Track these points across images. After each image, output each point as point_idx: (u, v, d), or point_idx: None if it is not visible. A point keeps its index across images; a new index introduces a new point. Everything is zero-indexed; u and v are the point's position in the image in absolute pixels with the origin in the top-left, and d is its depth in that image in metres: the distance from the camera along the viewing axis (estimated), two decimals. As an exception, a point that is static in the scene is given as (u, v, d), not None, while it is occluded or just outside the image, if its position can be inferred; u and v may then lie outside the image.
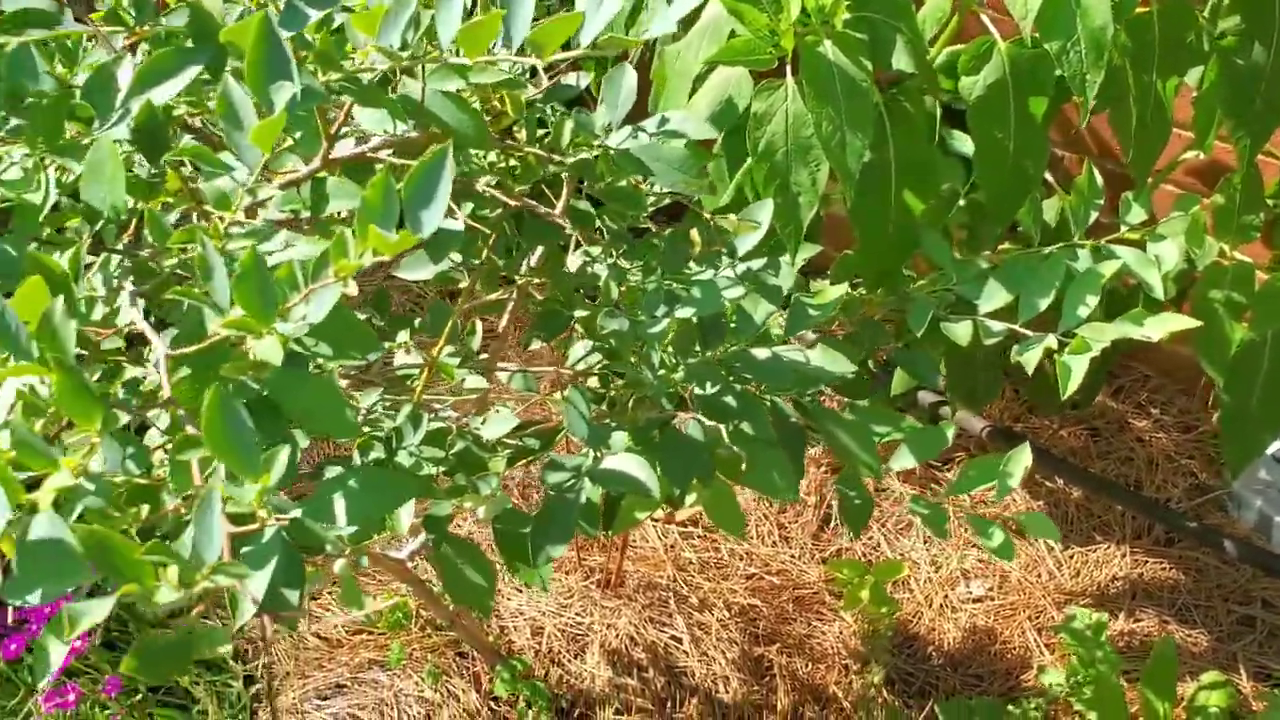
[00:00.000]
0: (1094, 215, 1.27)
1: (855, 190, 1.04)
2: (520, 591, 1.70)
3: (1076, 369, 1.04)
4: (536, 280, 1.06)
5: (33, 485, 0.48)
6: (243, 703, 1.56)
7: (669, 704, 1.55)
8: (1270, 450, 1.52)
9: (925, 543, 1.79)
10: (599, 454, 0.88)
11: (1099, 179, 1.28)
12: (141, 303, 0.55)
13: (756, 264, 0.95)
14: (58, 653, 0.70)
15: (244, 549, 0.71)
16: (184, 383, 0.58)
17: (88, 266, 0.65)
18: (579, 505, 0.84)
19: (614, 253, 1.01)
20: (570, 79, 0.97)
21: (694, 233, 0.84)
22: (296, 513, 0.71)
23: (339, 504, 0.70)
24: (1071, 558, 1.74)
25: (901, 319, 1.22)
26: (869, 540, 1.80)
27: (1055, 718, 1.55)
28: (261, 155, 0.55)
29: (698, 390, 0.91)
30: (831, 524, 1.82)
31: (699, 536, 1.79)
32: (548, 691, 1.50)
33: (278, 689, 1.59)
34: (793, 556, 1.76)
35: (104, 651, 1.56)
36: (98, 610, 0.45)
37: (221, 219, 0.57)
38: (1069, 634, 1.44)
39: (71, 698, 1.43)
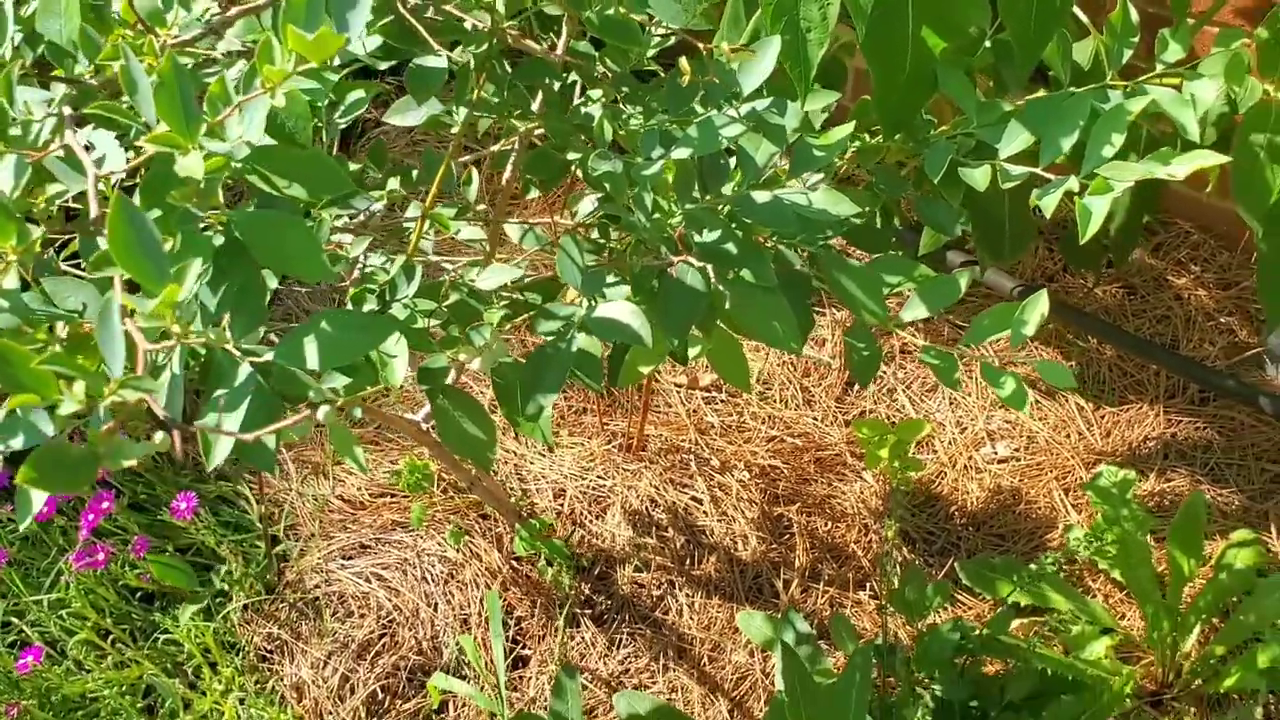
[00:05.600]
0: (1127, 54, 1.20)
1: (868, 26, 0.98)
2: (543, 456, 1.70)
3: (1097, 211, 0.99)
4: (539, 130, 1.02)
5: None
6: (267, 562, 1.59)
7: (688, 561, 1.55)
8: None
9: (951, 405, 1.76)
10: (594, 302, 0.85)
11: (1134, 15, 1.21)
12: (81, 130, 0.52)
13: (761, 104, 0.91)
14: (39, 499, 0.69)
15: (218, 392, 0.70)
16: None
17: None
18: (571, 354, 0.82)
19: (615, 96, 0.97)
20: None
21: (683, 61, 0.80)
22: (269, 355, 0.70)
23: (310, 346, 0.68)
24: (1103, 418, 1.71)
25: (922, 168, 1.17)
26: (894, 403, 1.77)
27: (1079, 576, 1.54)
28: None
29: (697, 237, 0.88)
30: (854, 387, 1.80)
31: (722, 401, 1.77)
32: (567, 550, 1.51)
33: (303, 549, 1.62)
34: (815, 419, 1.74)
35: (132, 513, 1.59)
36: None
37: (157, 35, 0.54)
38: (1094, 491, 1.42)
39: (101, 557, 1.46)
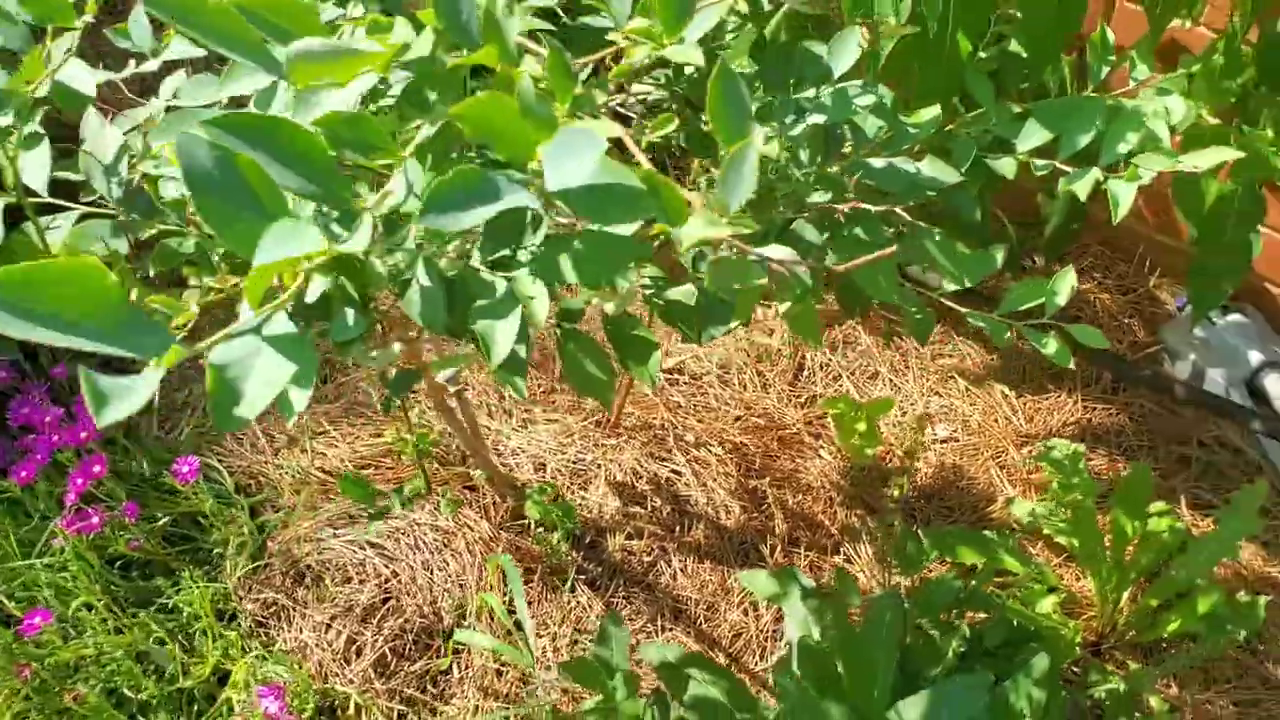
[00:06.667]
0: (1105, 70, 1.37)
1: (938, 23, 1.11)
2: (518, 431, 1.75)
3: (1125, 196, 1.14)
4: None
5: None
6: (249, 532, 1.58)
7: (677, 529, 1.64)
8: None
9: (893, 390, 1.91)
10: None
11: (1111, 36, 1.38)
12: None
13: (854, 86, 1.01)
14: (300, 398, 0.73)
15: (479, 302, 0.76)
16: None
17: None
18: (735, 291, 0.90)
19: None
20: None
21: (859, 30, 0.90)
22: (522, 271, 0.76)
23: (565, 262, 0.75)
24: (1026, 405, 1.89)
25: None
26: (839, 388, 1.90)
27: (1020, 541, 1.70)
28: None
29: (816, 197, 0.98)
30: (804, 373, 1.92)
31: (685, 383, 1.86)
32: (574, 513, 1.56)
33: (285, 520, 1.62)
34: (773, 401, 1.85)
35: (118, 480, 1.56)
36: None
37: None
38: (1049, 462, 1.58)
39: (95, 520, 1.43)
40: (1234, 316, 1.92)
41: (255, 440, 1.73)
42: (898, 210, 1.05)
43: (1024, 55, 1.35)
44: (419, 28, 0.53)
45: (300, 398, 0.71)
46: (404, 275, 0.76)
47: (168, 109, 0.73)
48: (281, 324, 0.45)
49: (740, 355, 1.91)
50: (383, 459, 1.68)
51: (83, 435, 1.50)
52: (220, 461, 1.69)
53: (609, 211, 0.49)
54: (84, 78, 0.73)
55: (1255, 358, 1.86)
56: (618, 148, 0.51)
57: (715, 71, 0.51)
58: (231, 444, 1.73)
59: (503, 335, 0.70)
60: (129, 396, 0.44)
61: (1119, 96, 1.34)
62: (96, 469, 1.47)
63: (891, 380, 1.92)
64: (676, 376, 1.87)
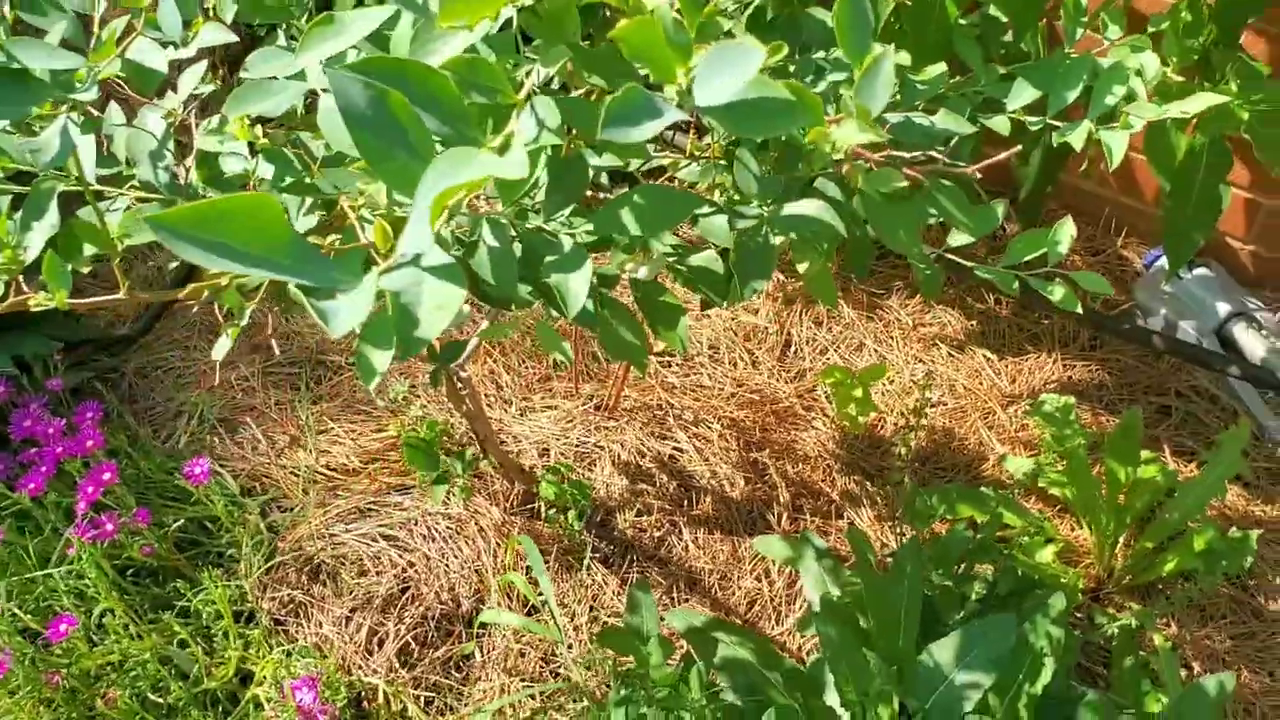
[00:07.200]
0: (1080, 32, 1.42)
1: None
2: (518, 419, 1.77)
3: (1118, 144, 1.19)
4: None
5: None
6: (263, 531, 1.58)
7: (685, 503, 1.66)
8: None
9: (878, 360, 1.95)
10: (767, 206, 0.97)
11: (1085, 1, 1.43)
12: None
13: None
14: (381, 359, 0.74)
15: (549, 258, 0.78)
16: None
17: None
18: (770, 246, 0.93)
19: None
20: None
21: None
22: (587, 226, 0.78)
23: (627, 215, 0.77)
24: (1008, 367, 1.94)
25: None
26: (826, 361, 1.94)
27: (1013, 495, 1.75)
28: None
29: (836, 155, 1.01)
30: (791, 348, 1.96)
31: (677, 364, 1.89)
32: (589, 490, 1.58)
33: (294, 519, 1.62)
34: (764, 377, 1.89)
35: (124, 487, 1.55)
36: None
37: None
38: (1041, 416, 1.63)
39: (110, 527, 1.43)
40: (1200, 271, 1.98)
41: (256, 443, 1.73)
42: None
43: (1003, 20, 1.40)
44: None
45: (382, 359, 0.73)
46: (470, 238, 0.78)
47: (240, 81, 0.74)
48: (437, 255, 0.47)
49: (728, 335, 1.94)
50: (389, 452, 1.69)
51: (89, 444, 1.50)
52: (223, 465, 1.69)
53: (757, 124, 0.51)
54: (155, 55, 0.74)
55: (1222, 309, 1.93)
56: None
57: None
58: (232, 447, 1.73)
59: (577, 285, 0.73)
60: (349, 312, 0.46)
61: (1093, 56, 1.40)
62: (106, 476, 1.46)
63: (876, 350, 1.96)
64: (669, 358, 1.90)
